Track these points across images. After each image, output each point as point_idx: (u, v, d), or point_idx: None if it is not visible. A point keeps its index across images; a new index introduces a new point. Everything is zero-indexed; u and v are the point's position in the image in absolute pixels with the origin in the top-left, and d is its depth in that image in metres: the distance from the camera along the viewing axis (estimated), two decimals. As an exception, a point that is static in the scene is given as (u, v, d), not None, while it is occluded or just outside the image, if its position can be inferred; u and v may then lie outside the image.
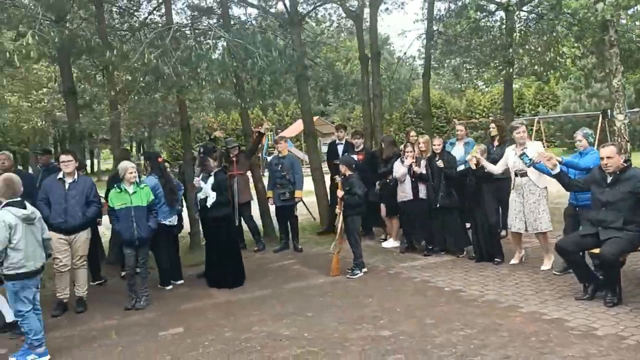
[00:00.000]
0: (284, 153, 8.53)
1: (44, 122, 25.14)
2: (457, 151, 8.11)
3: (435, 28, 10.43)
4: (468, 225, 7.41)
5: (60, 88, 21.62)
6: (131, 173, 5.95)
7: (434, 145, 7.35)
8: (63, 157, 6.12)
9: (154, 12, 9.78)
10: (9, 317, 5.51)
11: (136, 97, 6.76)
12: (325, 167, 10.05)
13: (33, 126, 24.76)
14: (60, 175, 6.18)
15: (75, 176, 6.21)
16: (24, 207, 4.78)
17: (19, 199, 4.82)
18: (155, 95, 7.99)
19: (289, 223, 8.53)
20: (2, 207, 4.79)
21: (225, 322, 5.38)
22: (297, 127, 31.71)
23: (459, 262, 7.01)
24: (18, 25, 6.74)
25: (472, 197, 6.84)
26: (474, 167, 6.68)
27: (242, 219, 8.37)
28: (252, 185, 9.10)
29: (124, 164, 6.11)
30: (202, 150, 7.42)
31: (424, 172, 7.33)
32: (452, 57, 10.95)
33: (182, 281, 7.08)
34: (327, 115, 38.27)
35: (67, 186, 6.11)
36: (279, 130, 33.30)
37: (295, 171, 8.31)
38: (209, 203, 6.76)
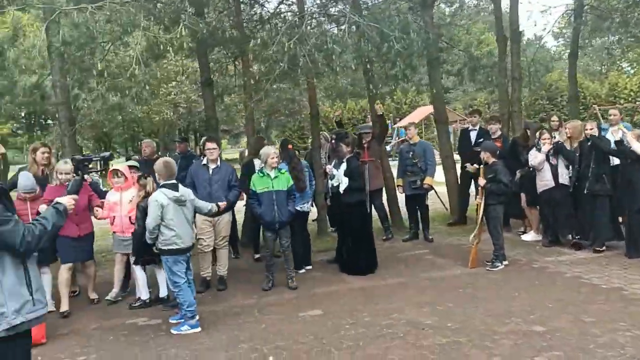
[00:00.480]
0: (414, 140, 8.47)
1: (172, 114, 27.31)
2: (611, 138, 7.58)
3: (586, 2, 9.69)
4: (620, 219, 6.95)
5: (188, 80, 23.30)
6: (273, 158, 6.27)
7: (588, 129, 6.97)
8: (209, 145, 6.61)
9: (284, 1, 10.16)
10: (162, 292, 6.12)
11: (273, 86, 7.08)
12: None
13: (163, 117, 27.01)
14: (204, 161, 6.70)
15: (219, 162, 6.70)
16: (177, 190, 5.28)
17: (174, 181, 5.33)
18: (283, 84, 8.25)
19: (419, 212, 8.49)
20: (159, 187, 5.35)
21: (363, 308, 5.50)
22: (416, 115, 31.31)
23: (615, 258, 6.55)
24: (164, 19, 7.37)
25: (624, 185, 6.44)
26: (617, 138, 6.45)
27: (372, 206, 8.46)
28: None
29: (267, 149, 6.43)
30: (334, 136, 7.63)
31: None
32: (603, 34, 10.14)
33: (310, 267, 7.33)
34: (448, 102, 37.41)
35: (211, 171, 6.62)
36: (397, 119, 33.13)
37: (428, 158, 8.23)
38: (341, 189, 6.94)
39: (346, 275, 6.83)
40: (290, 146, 7.20)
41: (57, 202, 2.94)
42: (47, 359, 4.78)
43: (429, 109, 30.36)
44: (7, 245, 2.64)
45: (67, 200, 2.97)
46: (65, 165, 5.82)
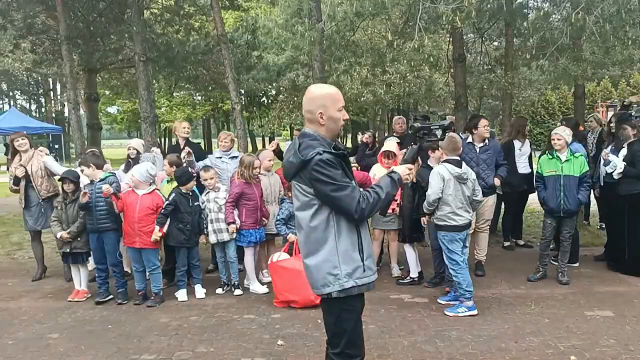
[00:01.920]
0: None
1: (383, 93, 27.50)
2: None
3: None
4: None
5: (404, 59, 23.26)
6: (554, 140, 5.86)
7: None
8: (484, 122, 6.46)
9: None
10: (414, 273, 6.15)
11: (543, 62, 6.58)
12: None
13: (376, 96, 27.31)
14: (470, 139, 6.54)
15: (486, 140, 6.51)
16: (460, 166, 5.20)
17: (457, 158, 5.26)
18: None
19: None
20: (442, 162, 5.33)
21: (668, 316, 4.91)
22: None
23: None
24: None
25: None
26: None
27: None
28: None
29: (559, 129, 6.01)
30: (616, 118, 6.92)
31: None
32: None
33: (577, 264, 6.74)
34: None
35: (478, 150, 6.46)
36: (601, 103, 29.36)
37: None
38: (615, 175, 6.27)
39: (622, 275, 6.23)
40: (580, 127, 6.65)
41: (393, 171, 2.95)
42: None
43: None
44: (343, 210, 2.71)
45: (403, 170, 2.96)
46: None
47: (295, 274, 5.17)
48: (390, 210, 6.13)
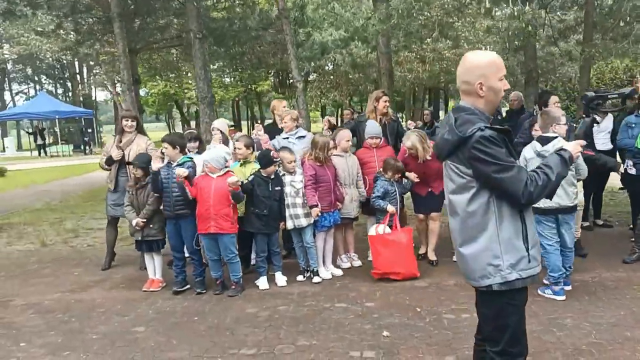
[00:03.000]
0: None
1: (420, 72, 26.81)
2: None
3: None
4: None
5: (441, 35, 22.54)
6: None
7: None
8: (554, 99, 6.13)
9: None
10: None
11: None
12: None
13: (413, 75, 26.69)
14: None
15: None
16: (546, 143, 4.86)
17: (552, 134, 4.90)
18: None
19: None
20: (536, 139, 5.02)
21: None
22: None
23: None
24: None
25: None
26: None
27: None
28: None
29: None
30: None
31: None
32: None
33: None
34: None
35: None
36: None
37: None
38: None
39: None
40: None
41: (563, 149, 2.66)
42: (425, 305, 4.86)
43: None
44: (509, 194, 2.45)
45: (573, 147, 2.67)
46: None
47: (402, 247, 5.23)
48: None
